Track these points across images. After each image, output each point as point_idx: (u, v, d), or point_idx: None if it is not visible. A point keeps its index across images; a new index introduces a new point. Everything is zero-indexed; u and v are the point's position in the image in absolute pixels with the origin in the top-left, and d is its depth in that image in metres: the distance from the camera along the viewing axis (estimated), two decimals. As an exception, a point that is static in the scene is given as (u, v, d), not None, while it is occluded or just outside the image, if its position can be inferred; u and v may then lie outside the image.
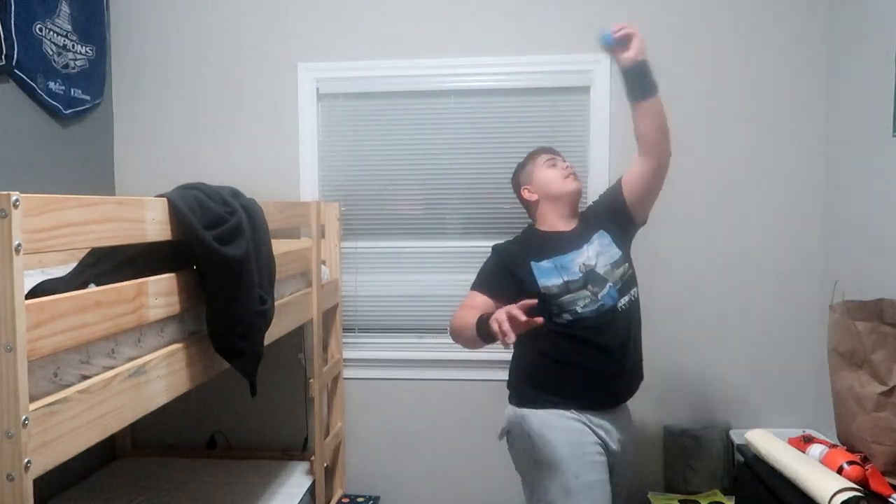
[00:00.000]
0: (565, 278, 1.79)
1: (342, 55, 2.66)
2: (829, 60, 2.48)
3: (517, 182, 2.01)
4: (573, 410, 1.80)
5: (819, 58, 2.49)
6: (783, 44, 2.50)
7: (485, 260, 1.92)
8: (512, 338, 1.42)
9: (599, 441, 1.79)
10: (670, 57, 2.55)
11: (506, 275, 1.84)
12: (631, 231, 1.94)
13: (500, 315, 1.45)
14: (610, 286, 1.80)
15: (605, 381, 1.81)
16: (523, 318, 1.43)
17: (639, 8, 2.55)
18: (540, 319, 1.46)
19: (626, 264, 1.85)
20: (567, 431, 1.77)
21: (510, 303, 1.58)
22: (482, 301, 1.81)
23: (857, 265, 2.26)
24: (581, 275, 1.80)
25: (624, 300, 1.81)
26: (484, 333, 1.56)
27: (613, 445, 1.82)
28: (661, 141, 1.82)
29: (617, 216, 1.89)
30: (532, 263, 1.82)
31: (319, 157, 2.71)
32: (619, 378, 1.83)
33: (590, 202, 2.57)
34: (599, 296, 1.78)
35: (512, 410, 1.87)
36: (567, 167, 1.94)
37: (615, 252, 1.84)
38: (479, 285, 1.87)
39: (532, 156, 2.02)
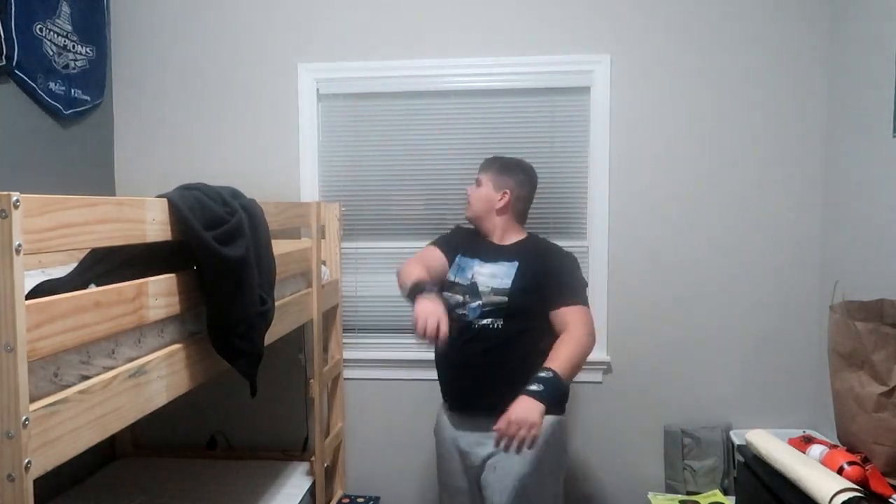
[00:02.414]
0: (457, 279, 1.98)
1: (342, 56, 2.66)
2: (829, 61, 2.48)
3: None
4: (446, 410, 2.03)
5: (819, 58, 2.49)
6: (783, 44, 2.50)
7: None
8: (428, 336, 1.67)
9: (458, 448, 1.96)
10: (670, 57, 2.55)
11: (454, 244, 2.07)
12: (537, 303, 1.92)
13: (430, 320, 1.66)
14: (479, 304, 1.91)
15: (451, 383, 2.01)
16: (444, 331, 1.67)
17: (638, 10, 2.55)
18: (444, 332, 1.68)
19: (507, 300, 1.88)
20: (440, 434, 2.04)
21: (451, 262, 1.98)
22: (437, 256, 2.03)
23: (858, 265, 2.26)
24: (469, 283, 1.95)
25: (483, 322, 1.90)
26: (411, 300, 1.76)
27: (477, 452, 1.91)
28: None
29: (537, 290, 1.91)
30: (459, 254, 2.04)
31: (319, 158, 2.71)
32: (461, 387, 1.98)
33: (589, 208, 2.60)
34: (467, 307, 1.92)
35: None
36: (466, 193, 2.12)
37: (506, 283, 1.91)
38: (438, 242, 2.10)
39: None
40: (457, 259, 2.03)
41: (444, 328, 1.66)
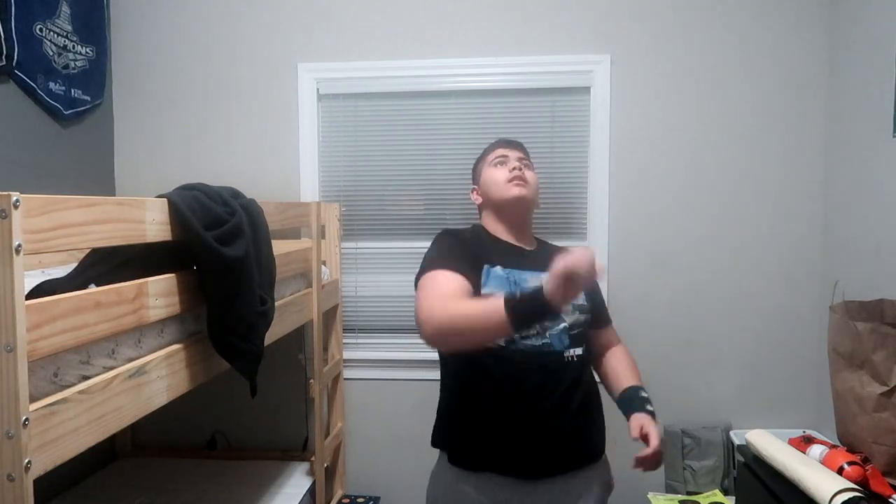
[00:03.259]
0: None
1: (342, 56, 2.66)
2: (829, 61, 2.48)
3: (473, 179, 1.76)
4: (479, 473, 1.46)
5: (819, 58, 2.49)
6: (783, 44, 2.50)
7: (433, 246, 1.58)
8: (600, 273, 1.16)
9: None
10: (670, 57, 2.55)
11: (467, 254, 1.50)
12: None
13: (574, 259, 1.12)
14: (564, 327, 1.47)
15: (527, 438, 1.43)
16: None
17: (638, 10, 2.55)
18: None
19: (589, 316, 1.56)
20: None
21: (476, 284, 1.36)
22: (454, 279, 1.42)
23: (858, 265, 2.26)
24: None
25: (573, 352, 1.48)
26: (529, 310, 1.21)
27: None
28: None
29: (592, 296, 1.63)
30: (486, 266, 1.49)
31: (320, 158, 2.71)
32: (547, 439, 1.44)
33: (589, 208, 2.60)
34: (548, 333, 1.45)
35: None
36: (515, 168, 1.60)
37: (581, 296, 1.51)
38: (445, 264, 1.45)
39: (487, 149, 1.73)
40: (492, 271, 1.49)
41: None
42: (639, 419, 1.47)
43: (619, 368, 1.61)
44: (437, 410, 1.63)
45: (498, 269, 1.49)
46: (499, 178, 1.62)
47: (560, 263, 1.14)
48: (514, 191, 1.58)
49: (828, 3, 2.47)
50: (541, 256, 1.53)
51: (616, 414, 1.63)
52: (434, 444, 1.62)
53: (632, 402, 1.53)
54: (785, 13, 2.50)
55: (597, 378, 1.65)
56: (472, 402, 1.49)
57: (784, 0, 2.50)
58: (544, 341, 1.45)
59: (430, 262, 1.49)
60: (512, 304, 1.22)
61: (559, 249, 1.51)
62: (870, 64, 2.20)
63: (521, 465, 1.45)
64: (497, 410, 1.45)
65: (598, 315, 1.67)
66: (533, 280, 1.35)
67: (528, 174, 1.63)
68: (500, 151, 1.67)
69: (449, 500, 1.53)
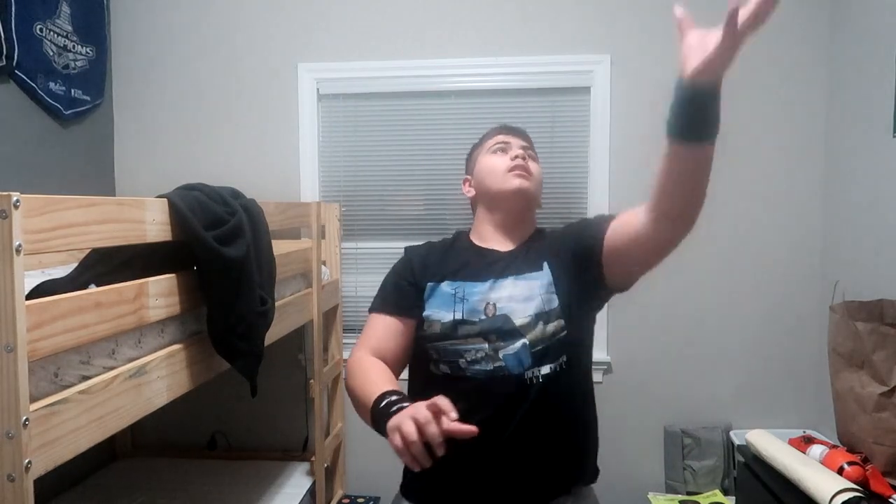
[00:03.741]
0: (458, 315, 1.27)
1: (342, 56, 2.66)
2: (829, 61, 2.48)
3: (466, 169, 1.51)
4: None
5: (820, 58, 2.49)
6: (783, 44, 2.50)
7: (388, 272, 1.44)
8: (425, 463, 0.96)
9: None
10: (670, 57, 2.55)
11: (408, 287, 1.35)
12: (594, 290, 1.32)
13: (408, 426, 0.97)
14: (523, 344, 1.22)
15: (481, 473, 1.23)
16: (450, 423, 0.94)
17: (638, 10, 2.55)
18: (473, 429, 0.95)
19: (563, 322, 1.25)
20: None
21: (416, 310, 1.21)
22: (385, 329, 1.31)
23: (858, 266, 2.26)
24: (484, 318, 1.26)
25: (536, 371, 1.22)
26: (381, 430, 1.09)
27: None
28: (691, 208, 1.20)
29: (582, 260, 1.28)
30: (430, 285, 1.33)
31: (320, 158, 2.71)
32: (503, 473, 1.23)
33: (589, 208, 2.60)
34: (501, 353, 1.23)
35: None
36: (518, 156, 1.37)
37: (551, 300, 1.26)
38: (381, 305, 1.35)
39: (485, 134, 1.49)
40: (438, 288, 1.32)
41: (445, 427, 0.95)
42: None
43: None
44: None
45: (445, 285, 1.31)
46: (498, 166, 1.37)
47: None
48: (516, 182, 1.34)
49: (828, 3, 2.47)
50: (517, 255, 1.35)
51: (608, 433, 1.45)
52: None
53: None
54: (785, 13, 2.49)
55: (597, 379, 1.48)
56: None
57: (784, 1, 2.49)
58: (497, 364, 1.22)
59: (375, 298, 1.39)
60: (376, 408, 1.10)
61: (554, 235, 1.40)
62: (870, 64, 2.20)
63: (475, 501, 1.26)
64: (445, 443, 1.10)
65: (593, 236, 1.28)
66: (485, 293, 1.27)
67: (533, 166, 1.39)
68: (501, 137, 1.43)
69: None
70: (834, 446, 1.70)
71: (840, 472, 1.56)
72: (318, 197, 2.70)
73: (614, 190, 2.58)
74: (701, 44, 1.02)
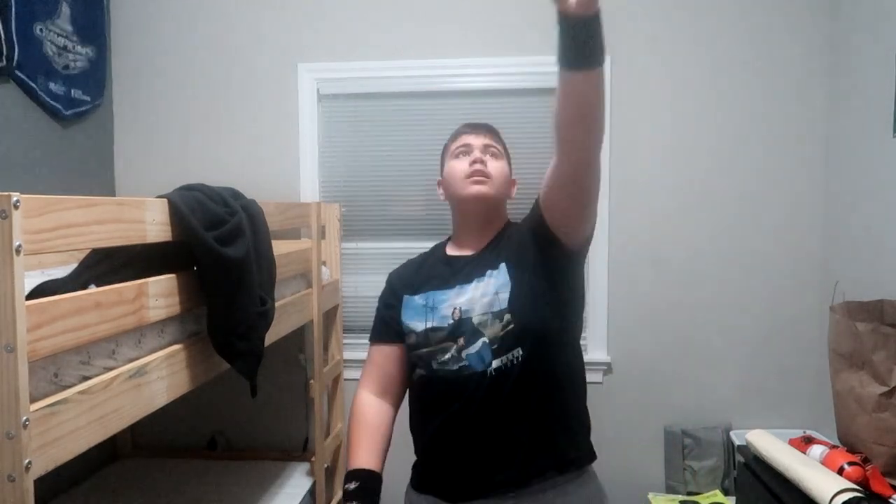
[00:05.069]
0: (429, 324, 1.36)
1: (342, 56, 2.66)
2: (829, 61, 2.48)
3: (440, 170, 1.53)
4: (423, 494, 1.45)
5: (820, 58, 2.49)
6: (784, 44, 2.50)
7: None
8: None
9: None
10: (670, 57, 2.55)
11: (393, 311, 1.46)
12: (562, 260, 1.34)
13: None
14: (483, 343, 1.30)
15: (458, 468, 1.35)
16: None
17: (638, 9, 2.55)
18: None
19: (510, 316, 1.30)
20: None
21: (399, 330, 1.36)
22: (383, 358, 1.47)
23: (858, 266, 2.26)
24: (451, 322, 1.33)
25: (496, 363, 1.29)
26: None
27: None
28: (588, 131, 1.19)
29: (539, 240, 1.34)
30: (405, 297, 1.43)
31: (320, 158, 2.71)
32: (477, 464, 1.33)
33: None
34: (464, 353, 1.31)
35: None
36: (476, 160, 1.38)
37: (502, 298, 1.31)
38: (373, 336, 1.51)
39: (451, 136, 1.49)
40: (412, 301, 1.42)
41: None
42: None
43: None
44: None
45: (416, 298, 1.41)
46: (457, 171, 1.40)
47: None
48: (473, 189, 1.37)
49: (828, 3, 2.47)
50: (482, 256, 1.40)
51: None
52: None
53: None
54: (785, 13, 2.50)
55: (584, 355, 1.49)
56: (415, 427, 1.50)
57: (784, 1, 2.50)
58: (462, 364, 1.31)
59: (372, 328, 1.52)
60: (344, 485, 1.35)
61: (518, 226, 1.43)
62: (870, 64, 2.20)
63: (456, 488, 1.36)
64: (430, 435, 1.42)
65: (537, 213, 1.33)
66: (452, 300, 1.35)
67: (493, 165, 1.40)
68: (463, 139, 1.44)
69: None
70: (834, 446, 1.70)
71: (840, 472, 1.56)
72: (318, 197, 2.70)
73: (614, 190, 2.58)
74: None
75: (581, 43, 1.11)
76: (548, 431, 1.33)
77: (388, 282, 1.53)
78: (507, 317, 1.30)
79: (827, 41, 2.48)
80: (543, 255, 1.33)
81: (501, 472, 1.31)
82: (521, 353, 1.30)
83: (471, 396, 1.30)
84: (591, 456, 1.40)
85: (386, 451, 1.45)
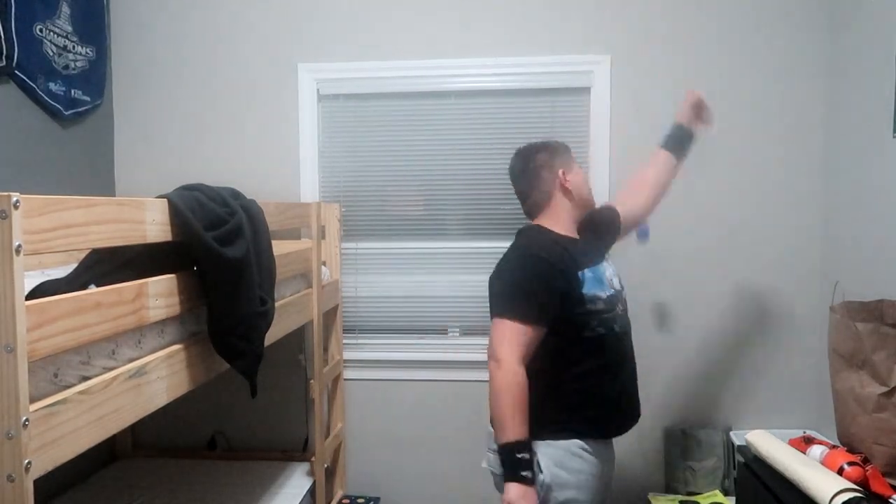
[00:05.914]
0: (608, 293, 1.69)
1: (343, 56, 2.66)
2: (829, 61, 2.48)
3: (549, 164, 1.77)
4: (593, 440, 1.69)
5: (819, 58, 2.49)
6: (783, 44, 2.50)
7: (516, 272, 1.65)
8: None
9: (606, 478, 1.75)
10: (670, 57, 2.55)
11: (551, 292, 1.61)
12: None
13: None
14: (625, 308, 1.78)
15: (633, 404, 1.79)
16: None
17: (638, 10, 2.55)
18: None
19: (626, 299, 1.82)
20: (586, 475, 1.66)
21: (552, 329, 1.59)
22: (537, 339, 1.60)
23: (858, 266, 2.26)
24: (613, 291, 1.72)
25: (627, 329, 1.78)
26: (505, 467, 1.58)
27: (610, 476, 1.79)
28: (665, 193, 2.03)
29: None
30: (579, 273, 1.65)
31: (320, 158, 2.71)
32: (637, 400, 1.81)
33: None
34: (623, 319, 1.74)
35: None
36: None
37: (621, 280, 1.81)
38: (535, 316, 1.59)
39: (565, 148, 1.87)
40: (586, 275, 1.66)
41: None
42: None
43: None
44: (545, 399, 1.66)
45: (587, 272, 1.67)
46: (587, 182, 1.86)
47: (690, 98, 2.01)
48: (593, 199, 1.86)
49: (828, 3, 2.47)
50: (590, 243, 1.79)
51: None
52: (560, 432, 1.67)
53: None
54: (785, 13, 2.50)
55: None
56: (593, 383, 1.67)
57: (784, 1, 2.50)
58: (621, 324, 1.71)
59: (523, 305, 1.59)
60: (510, 452, 1.54)
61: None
62: (870, 64, 2.20)
63: (621, 421, 1.77)
64: (620, 385, 1.72)
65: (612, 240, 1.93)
66: (607, 272, 1.73)
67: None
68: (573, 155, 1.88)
69: (593, 472, 1.69)
70: (834, 446, 1.70)
71: (840, 472, 1.56)
72: (318, 197, 2.70)
73: (614, 190, 2.58)
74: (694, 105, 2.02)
75: (685, 141, 2.06)
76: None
77: (549, 263, 1.63)
78: (625, 296, 1.79)
79: (827, 41, 2.48)
80: None
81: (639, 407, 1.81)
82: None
83: (630, 350, 1.75)
84: None
85: None
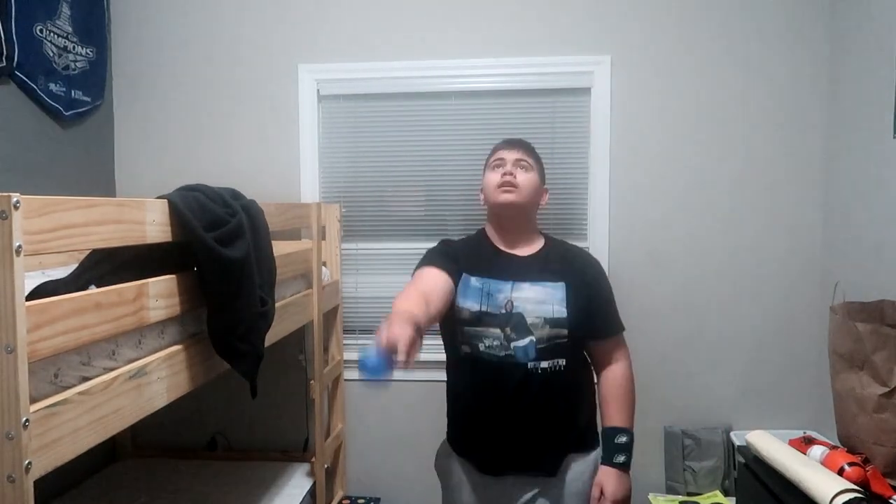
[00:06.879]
0: (484, 307, 1.55)
1: (343, 56, 2.66)
2: (829, 62, 2.48)
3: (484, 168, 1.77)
4: (460, 456, 1.65)
5: (820, 59, 2.49)
6: (784, 45, 2.50)
7: (429, 250, 1.71)
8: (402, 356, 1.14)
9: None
10: (670, 57, 2.55)
11: (453, 262, 1.61)
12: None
13: (395, 330, 1.16)
14: (531, 341, 1.53)
15: (488, 442, 1.59)
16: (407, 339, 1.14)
17: (638, 11, 2.55)
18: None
19: (566, 332, 1.55)
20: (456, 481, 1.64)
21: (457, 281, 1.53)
22: (434, 277, 1.54)
23: (858, 266, 2.26)
24: (504, 312, 1.54)
25: (538, 365, 1.53)
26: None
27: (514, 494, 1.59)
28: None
29: (589, 316, 1.61)
30: (464, 274, 1.60)
31: (320, 159, 2.71)
32: (505, 447, 1.57)
33: (590, 209, 2.60)
34: (512, 345, 1.53)
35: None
36: (507, 173, 1.62)
37: (561, 312, 1.55)
38: (433, 259, 1.61)
39: (491, 150, 1.75)
40: (469, 281, 1.59)
41: (411, 354, 1.18)
42: (598, 479, 1.57)
43: (607, 399, 1.62)
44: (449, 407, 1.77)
45: (474, 279, 1.59)
46: (492, 182, 1.65)
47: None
48: (501, 197, 1.61)
49: (828, 3, 2.47)
50: (535, 263, 1.63)
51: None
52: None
53: (604, 449, 1.60)
54: (785, 14, 2.50)
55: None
56: (456, 398, 1.69)
57: (784, 1, 2.50)
58: (507, 353, 1.54)
59: (422, 260, 1.65)
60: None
61: (569, 251, 1.70)
62: (870, 64, 2.20)
63: (480, 459, 1.62)
64: (467, 408, 1.65)
65: (593, 326, 1.62)
66: (507, 292, 1.55)
67: (522, 177, 1.63)
68: (499, 154, 1.69)
69: (443, 467, 1.73)
70: (834, 447, 1.70)
71: (840, 472, 1.56)
72: (319, 198, 2.70)
73: (614, 190, 2.58)
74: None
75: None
76: (569, 422, 1.60)
77: (450, 247, 1.67)
78: (562, 330, 1.54)
79: (827, 42, 2.48)
80: (592, 304, 1.62)
81: (525, 453, 1.56)
82: (563, 363, 1.56)
83: (512, 384, 1.53)
84: (596, 441, 1.67)
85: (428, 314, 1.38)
